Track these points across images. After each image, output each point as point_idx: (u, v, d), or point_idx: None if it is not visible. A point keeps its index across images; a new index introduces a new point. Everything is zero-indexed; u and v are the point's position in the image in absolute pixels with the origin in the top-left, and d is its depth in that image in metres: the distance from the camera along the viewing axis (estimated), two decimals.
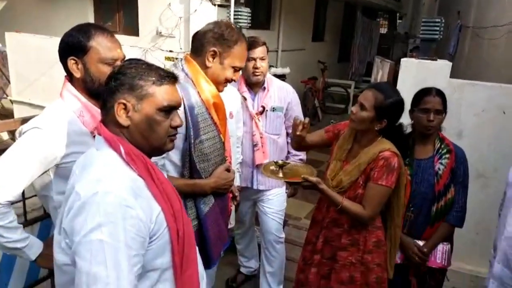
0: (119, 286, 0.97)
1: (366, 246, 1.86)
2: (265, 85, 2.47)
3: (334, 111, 8.44)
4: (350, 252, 1.88)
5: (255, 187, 2.58)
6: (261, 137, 2.48)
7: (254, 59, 2.32)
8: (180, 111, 1.58)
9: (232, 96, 2.05)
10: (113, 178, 1.04)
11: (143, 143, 1.14)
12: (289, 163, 2.01)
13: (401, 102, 1.79)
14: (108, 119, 1.14)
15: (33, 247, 1.47)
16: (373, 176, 1.78)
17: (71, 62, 1.45)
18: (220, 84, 1.75)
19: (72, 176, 1.16)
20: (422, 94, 2.02)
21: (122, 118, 1.11)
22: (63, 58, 1.47)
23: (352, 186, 1.83)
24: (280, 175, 1.89)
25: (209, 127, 1.68)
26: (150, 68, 1.15)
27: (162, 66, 3.99)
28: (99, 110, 1.44)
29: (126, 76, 1.11)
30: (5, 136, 5.82)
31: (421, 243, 2.03)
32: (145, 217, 1.04)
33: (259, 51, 2.33)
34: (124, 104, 1.10)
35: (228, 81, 1.76)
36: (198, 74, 1.70)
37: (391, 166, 1.76)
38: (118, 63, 1.46)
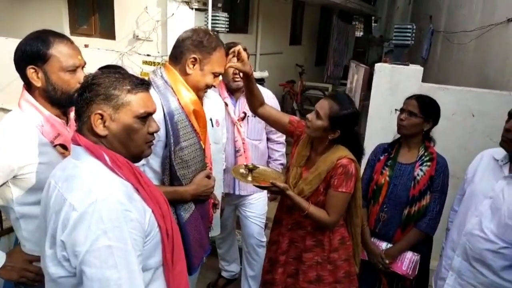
0: (132, 285, 1.02)
1: (331, 245, 1.90)
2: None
3: None
4: (315, 252, 1.91)
5: (237, 192, 2.60)
6: (243, 143, 2.50)
7: None
8: (160, 118, 1.60)
9: (217, 104, 2.06)
10: (106, 185, 1.07)
11: (122, 151, 1.16)
12: (258, 167, 2.00)
13: (355, 114, 1.82)
14: (84, 129, 1.14)
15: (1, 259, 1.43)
16: (334, 184, 1.81)
17: (30, 71, 1.39)
18: (200, 90, 1.76)
19: (49, 188, 1.15)
20: (407, 98, 2.14)
21: (99, 128, 1.12)
22: (21, 67, 1.41)
23: (313, 194, 1.86)
24: (249, 178, 1.90)
25: (189, 134, 1.69)
26: (123, 76, 1.16)
27: (140, 70, 3.96)
28: (58, 120, 1.45)
29: (101, 86, 1.12)
30: None
31: (389, 245, 2.09)
32: (141, 219, 1.09)
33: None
34: (101, 115, 1.12)
35: (208, 87, 1.78)
36: (177, 82, 1.70)
37: (349, 173, 1.80)
38: (79, 70, 1.45)
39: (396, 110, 2.17)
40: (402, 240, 2.06)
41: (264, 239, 2.76)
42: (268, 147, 2.70)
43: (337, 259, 1.91)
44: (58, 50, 1.40)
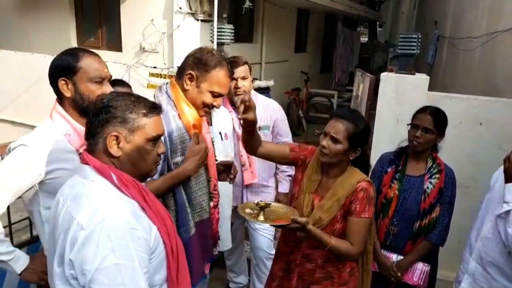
0: None
1: (341, 278, 1.79)
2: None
3: (318, 121, 8.54)
4: (323, 285, 1.79)
5: None
6: (248, 157, 2.48)
7: (236, 79, 2.33)
8: None
9: (225, 117, 2.09)
10: (113, 204, 1.10)
11: (132, 171, 1.20)
12: (270, 204, 1.74)
13: (368, 127, 1.78)
14: (97, 149, 1.18)
15: (19, 261, 1.52)
16: (355, 210, 1.69)
17: (61, 83, 1.53)
18: (198, 108, 1.75)
19: (57, 205, 1.18)
20: (417, 111, 2.09)
21: (113, 149, 1.16)
22: (53, 80, 1.56)
23: (330, 222, 1.72)
24: (261, 218, 1.66)
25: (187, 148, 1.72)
26: (139, 100, 1.21)
27: (146, 82, 4.01)
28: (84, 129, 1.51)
29: (117, 109, 1.16)
30: None
31: (400, 257, 2.08)
32: (147, 236, 1.12)
33: (240, 71, 2.33)
34: (116, 136, 1.16)
35: (206, 106, 1.76)
36: (179, 97, 1.73)
37: (370, 196, 1.70)
38: (106, 82, 1.58)
39: (408, 124, 2.11)
40: (413, 252, 2.06)
41: (273, 251, 2.72)
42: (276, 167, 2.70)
43: None
44: (86, 63, 1.53)
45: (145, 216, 1.16)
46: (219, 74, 1.70)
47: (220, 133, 2.00)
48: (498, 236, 1.76)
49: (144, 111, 1.19)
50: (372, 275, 2.00)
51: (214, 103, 1.75)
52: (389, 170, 2.13)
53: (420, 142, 2.01)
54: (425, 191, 2.02)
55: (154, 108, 1.22)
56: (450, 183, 2.05)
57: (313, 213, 1.73)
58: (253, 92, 2.55)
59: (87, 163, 1.16)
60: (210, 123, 2.00)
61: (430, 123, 2.00)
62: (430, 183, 2.03)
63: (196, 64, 1.71)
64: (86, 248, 1.04)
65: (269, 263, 2.70)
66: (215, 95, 1.73)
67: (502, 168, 1.88)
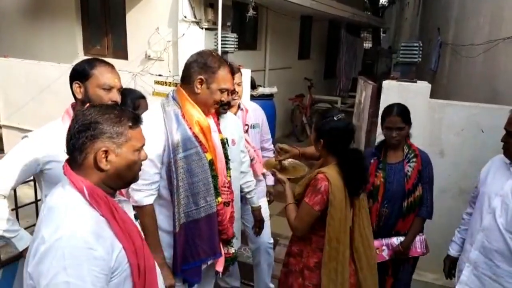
0: None
1: (308, 262, 1.98)
2: (242, 106, 2.73)
3: None
4: (296, 260, 2.03)
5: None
6: (254, 151, 2.69)
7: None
8: (162, 132, 1.82)
9: (232, 123, 2.23)
10: (75, 222, 1.12)
11: (119, 181, 1.27)
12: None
13: (334, 121, 1.94)
14: (85, 164, 1.20)
15: (22, 240, 1.71)
16: (305, 194, 1.95)
17: (75, 86, 1.74)
18: (210, 106, 1.92)
19: (41, 213, 1.23)
20: (384, 114, 2.41)
21: (103, 163, 1.20)
22: (71, 83, 1.76)
23: (302, 196, 1.99)
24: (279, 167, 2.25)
25: (190, 144, 1.84)
26: (122, 114, 1.25)
27: (152, 90, 4.06)
28: None
29: (104, 124, 1.19)
30: None
31: (401, 238, 2.38)
32: (107, 256, 1.14)
33: (236, 78, 2.53)
34: (105, 151, 1.19)
35: (217, 103, 1.92)
36: (184, 99, 1.89)
37: (316, 187, 1.89)
38: (114, 91, 1.75)
39: (382, 128, 2.43)
40: (409, 231, 2.38)
41: (272, 240, 2.92)
42: (262, 156, 2.91)
43: (307, 278, 1.97)
44: (99, 71, 1.73)
45: (110, 235, 1.17)
46: (223, 73, 1.89)
47: (226, 139, 2.08)
48: (498, 226, 1.93)
49: (130, 123, 1.25)
50: None
51: (223, 98, 1.91)
52: (372, 161, 2.44)
53: (398, 139, 2.35)
54: (406, 174, 2.35)
55: (137, 120, 1.28)
56: (426, 165, 2.38)
57: (298, 186, 2.07)
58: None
59: (65, 174, 1.21)
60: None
61: (401, 122, 2.33)
62: (410, 166, 2.36)
63: (203, 68, 1.87)
64: (42, 263, 1.08)
65: (271, 252, 2.88)
66: (223, 91, 1.90)
67: (488, 164, 2.15)
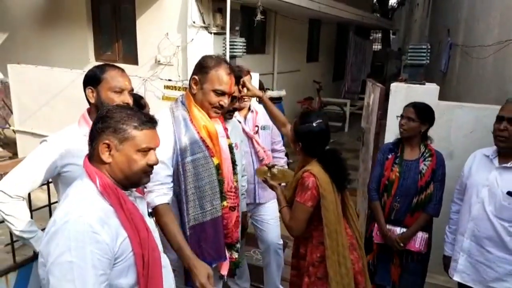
0: None
1: (312, 259, 2.01)
2: (252, 108, 2.75)
3: (331, 129, 8.49)
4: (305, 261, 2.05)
5: (257, 201, 2.77)
6: (264, 151, 2.72)
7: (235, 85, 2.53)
8: (171, 135, 1.85)
9: (235, 129, 2.25)
10: (84, 209, 1.21)
11: (122, 178, 1.32)
12: (274, 166, 2.29)
13: (310, 127, 1.96)
14: (94, 155, 1.31)
15: (39, 241, 1.72)
16: (296, 194, 1.99)
17: (88, 91, 1.80)
18: (208, 109, 1.91)
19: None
20: (405, 106, 2.55)
21: (105, 155, 1.29)
22: (84, 88, 1.81)
23: (292, 198, 2.04)
24: (269, 174, 2.23)
25: (197, 148, 1.86)
26: (134, 113, 1.33)
27: (162, 94, 4.12)
28: None
29: (112, 119, 1.29)
30: None
31: (404, 230, 2.46)
32: (111, 242, 1.21)
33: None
34: (108, 144, 1.28)
35: (213, 105, 1.89)
36: (191, 104, 1.92)
37: (304, 185, 1.93)
38: (125, 93, 1.80)
39: (397, 116, 2.56)
40: (413, 224, 2.45)
41: (281, 242, 2.94)
42: (273, 157, 2.93)
43: (312, 274, 1.99)
44: (110, 75, 1.78)
45: (115, 223, 1.25)
46: (217, 73, 1.86)
47: (233, 145, 2.11)
48: (487, 214, 2.11)
49: (136, 124, 1.30)
50: (377, 246, 2.56)
51: (221, 102, 1.89)
52: (389, 157, 2.55)
53: (405, 128, 2.46)
54: (420, 171, 2.44)
55: (147, 122, 1.32)
56: (440, 164, 2.48)
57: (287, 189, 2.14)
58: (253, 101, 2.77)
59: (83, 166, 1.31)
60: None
61: (412, 113, 2.44)
62: (425, 165, 2.45)
63: (198, 68, 1.91)
64: (50, 242, 1.18)
65: (280, 252, 2.88)
66: (218, 93, 1.87)
67: (470, 159, 2.34)
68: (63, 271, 1.14)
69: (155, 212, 1.76)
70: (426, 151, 2.49)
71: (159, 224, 1.73)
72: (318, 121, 1.98)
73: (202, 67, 1.88)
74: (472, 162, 2.32)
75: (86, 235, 1.16)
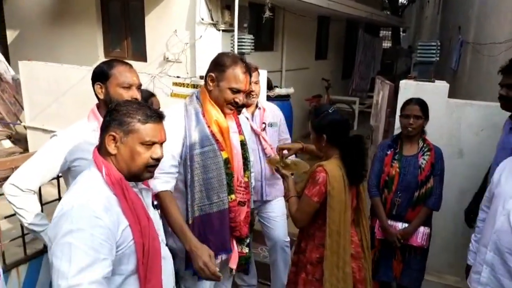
0: (78, 281, 1.16)
1: (311, 257, 2.03)
2: (260, 105, 2.77)
3: None
4: (303, 256, 2.08)
5: (264, 198, 2.78)
6: (271, 148, 2.74)
7: (249, 83, 2.52)
8: (182, 129, 1.89)
9: (243, 125, 2.24)
10: (88, 196, 1.28)
11: (124, 169, 1.38)
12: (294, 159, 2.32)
13: (330, 117, 2.00)
14: (102, 146, 1.38)
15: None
16: (305, 187, 2.02)
17: (97, 87, 1.82)
18: (222, 106, 1.96)
19: None
20: (404, 104, 2.59)
21: (111, 147, 1.36)
22: (93, 84, 1.84)
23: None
24: (282, 164, 2.27)
25: (207, 141, 1.90)
26: (140, 107, 1.38)
27: (170, 91, 4.14)
28: None
29: (119, 113, 1.36)
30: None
31: (405, 225, 2.50)
32: (113, 227, 1.27)
33: (253, 76, 2.55)
34: (114, 136, 1.35)
35: (229, 102, 1.94)
36: (206, 99, 1.97)
37: (315, 179, 1.95)
38: (133, 88, 1.82)
39: (400, 115, 2.59)
40: (415, 219, 2.50)
41: (288, 239, 2.93)
42: None
43: (310, 273, 2.00)
44: (118, 71, 1.80)
45: (118, 211, 1.31)
46: (234, 71, 1.90)
47: (245, 141, 2.14)
48: (511, 228, 1.94)
49: (140, 117, 1.35)
50: (379, 242, 2.59)
51: (236, 99, 1.93)
52: (388, 153, 2.59)
53: (414, 127, 2.50)
54: (420, 166, 2.49)
55: (152, 116, 1.37)
56: (439, 159, 2.54)
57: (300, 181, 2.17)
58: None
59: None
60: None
61: (419, 111, 2.49)
62: (424, 159, 2.50)
63: (215, 66, 1.94)
64: (56, 226, 1.24)
65: (288, 249, 2.89)
66: (234, 91, 1.91)
67: (502, 165, 2.11)
68: (64, 251, 1.19)
69: (157, 198, 1.79)
70: (425, 145, 2.54)
71: (161, 208, 1.75)
72: (332, 107, 2.05)
73: (219, 65, 1.92)
74: (503, 169, 2.11)
75: (89, 220, 1.22)
